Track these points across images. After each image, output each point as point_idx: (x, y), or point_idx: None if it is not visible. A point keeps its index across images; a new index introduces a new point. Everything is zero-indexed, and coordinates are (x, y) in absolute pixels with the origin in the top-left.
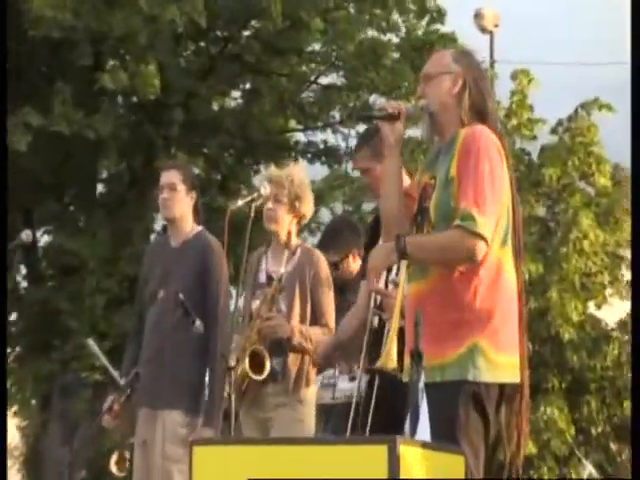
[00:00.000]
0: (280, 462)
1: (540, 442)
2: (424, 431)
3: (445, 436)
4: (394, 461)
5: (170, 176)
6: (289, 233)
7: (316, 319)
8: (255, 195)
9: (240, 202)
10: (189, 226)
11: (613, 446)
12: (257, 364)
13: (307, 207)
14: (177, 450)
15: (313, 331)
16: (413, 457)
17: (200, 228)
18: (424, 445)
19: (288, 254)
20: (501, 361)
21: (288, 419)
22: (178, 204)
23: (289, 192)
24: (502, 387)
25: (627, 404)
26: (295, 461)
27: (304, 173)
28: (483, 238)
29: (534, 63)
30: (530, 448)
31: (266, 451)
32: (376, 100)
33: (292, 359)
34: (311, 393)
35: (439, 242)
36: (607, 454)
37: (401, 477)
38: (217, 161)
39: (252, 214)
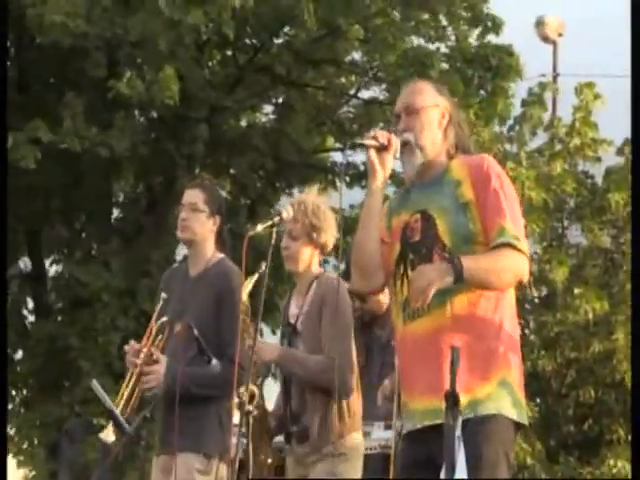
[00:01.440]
0: None
1: None
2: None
3: (473, 475)
4: None
5: (193, 195)
6: (309, 267)
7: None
8: (276, 220)
9: (259, 227)
10: (210, 253)
11: None
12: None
13: (326, 236)
14: None
15: (316, 358)
16: None
17: (221, 256)
18: None
19: (305, 292)
20: (522, 398)
21: (324, 472)
22: (198, 226)
23: (302, 224)
24: (517, 428)
25: None
26: None
27: (320, 199)
28: (528, 256)
29: (600, 76)
30: None
31: None
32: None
33: (319, 411)
34: (349, 444)
35: (496, 262)
36: None
37: None
38: (245, 183)
39: (273, 241)
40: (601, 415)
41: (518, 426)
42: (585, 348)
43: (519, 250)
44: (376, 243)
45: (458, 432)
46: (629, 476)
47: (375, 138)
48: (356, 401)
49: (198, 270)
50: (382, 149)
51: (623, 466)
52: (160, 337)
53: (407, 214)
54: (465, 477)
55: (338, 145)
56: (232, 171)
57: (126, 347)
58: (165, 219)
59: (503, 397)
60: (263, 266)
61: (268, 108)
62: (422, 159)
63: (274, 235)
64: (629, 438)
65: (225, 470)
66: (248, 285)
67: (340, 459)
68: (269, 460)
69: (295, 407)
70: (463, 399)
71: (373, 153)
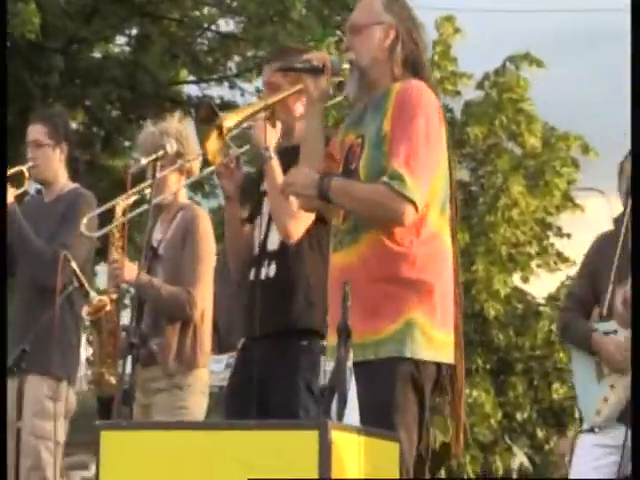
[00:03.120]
0: (199, 448)
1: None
2: (352, 415)
3: (379, 419)
4: (325, 447)
5: (35, 131)
6: (175, 194)
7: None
8: (160, 153)
9: (144, 161)
10: (62, 182)
11: (540, 432)
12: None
13: (191, 162)
14: (41, 424)
15: (170, 289)
16: (345, 443)
17: (75, 185)
18: (358, 431)
19: (170, 219)
20: (438, 339)
21: (167, 406)
22: (45, 162)
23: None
24: (438, 367)
25: (556, 386)
26: (215, 447)
27: (182, 125)
28: (411, 201)
29: (460, 10)
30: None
31: (183, 436)
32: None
33: (171, 340)
34: (197, 377)
35: (364, 193)
36: (533, 441)
37: (333, 464)
38: (100, 115)
39: (157, 174)
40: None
41: (438, 365)
42: None
43: (398, 193)
44: (316, 163)
45: (349, 364)
46: (486, 406)
47: (307, 61)
48: (208, 335)
49: (51, 198)
50: (316, 72)
51: (479, 395)
52: None
53: (354, 135)
54: (356, 409)
55: (191, 78)
56: (87, 102)
57: None
58: (19, 150)
59: (407, 339)
60: (148, 193)
61: (124, 39)
62: (362, 80)
63: (158, 167)
64: (487, 367)
65: (74, 397)
66: (124, 205)
67: (185, 391)
68: (112, 378)
69: (145, 329)
70: (367, 339)
71: (308, 78)
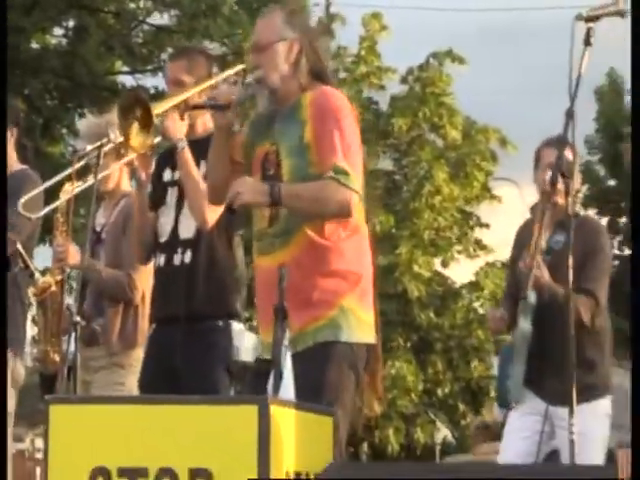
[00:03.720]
0: (144, 422)
1: (386, 401)
2: (288, 390)
3: (319, 398)
4: (264, 422)
5: None
6: (118, 184)
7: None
8: (104, 140)
9: (88, 148)
10: (11, 162)
11: (459, 408)
12: None
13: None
14: None
15: (111, 272)
16: (283, 417)
17: (23, 167)
18: (295, 405)
19: (113, 205)
20: (367, 321)
21: (107, 382)
22: None
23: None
24: (367, 347)
25: (474, 364)
26: (159, 421)
27: None
28: (356, 192)
29: (386, 7)
30: (374, 407)
31: (128, 410)
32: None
33: (114, 320)
34: (137, 356)
35: (313, 192)
36: (452, 416)
37: (271, 438)
38: (39, 103)
39: (101, 161)
40: (383, 324)
41: (367, 346)
42: None
43: (343, 184)
44: (223, 186)
45: (286, 342)
46: (408, 378)
47: (213, 99)
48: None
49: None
50: (222, 109)
51: (401, 366)
52: None
53: (267, 143)
54: (291, 385)
55: (126, 68)
56: (26, 91)
57: None
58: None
59: (346, 322)
60: (90, 181)
61: (61, 31)
62: (272, 96)
63: (102, 154)
64: (408, 345)
65: (22, 367)
66: (69, 192)
67: (126, 370)
68: (56, 356)
69: (87, 309)
70: (307, 328)
71: (215, 112)
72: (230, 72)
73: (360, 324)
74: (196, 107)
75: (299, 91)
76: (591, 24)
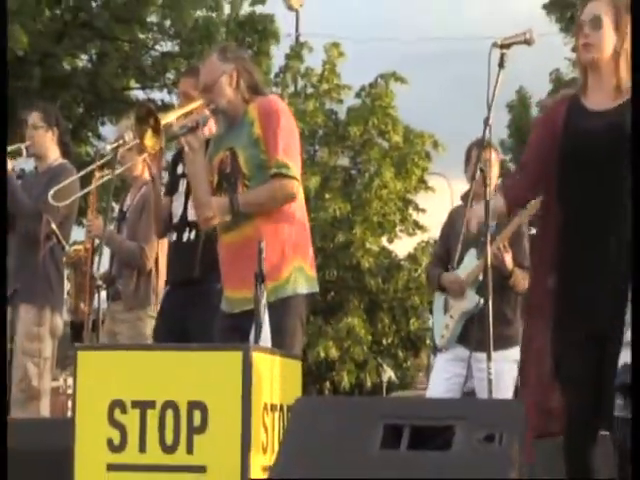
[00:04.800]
0: (152, 364)
1: (342, 349)
2: (266, 339)
3: (282, 344)
4: (247, 364)
5: (31, 117)
6: (141, 173)
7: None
8: (121, 141)
9: (108, 147)
10: (52, 157)
11: (401, 354)
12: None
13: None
14: (30, 345)
15: (128, 243)
16: (262, 362)
17: (63, 161)
18: (272, 352)
19: (137, 190)
20: (312, 275)
21: (129, 335)
22: (39, 142)
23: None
24: (313, 294)
25: (412, 321)
26: (165, 364)
27: None
28: (297, 179)
29: (344, 38)
30: (333, 353)
31: (140, 355)
32: None
33: (130, 282)
34: (150, 312)
35: (266, 194)
36: (396, 361)
37: (253, 377)
38: (69, 113)
39: (119, 157)
40: (341, 289)
41: (312, 295)
42: (331, 239)
43: (287, 176)
44: (206, 191)
45: (264, 301)
46: (360, 330)
47: (184, 127)
48: (162, 279)
49: (42, 169)
50: (193, 130)
51: (355, 322)
52: None
53: (222, 151)
54: (269, 335)
55: (138, 85)
56: (58, 103)
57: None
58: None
59: (298, 279)
60: (109, 174)
61: (86, 56)
62: (225, 117)
63: (118, 152)
64: (361, 305)
65: (60, 321)
66: (100, 179)
67: (144, 322)
68: (84, 307)
69: (113, 272)
70: (270, 286)
71: (188, 136)
72: (194, 106)
73: (308, 279)
74: (174, 138)
75: (244, 105)
76: (504, 50)
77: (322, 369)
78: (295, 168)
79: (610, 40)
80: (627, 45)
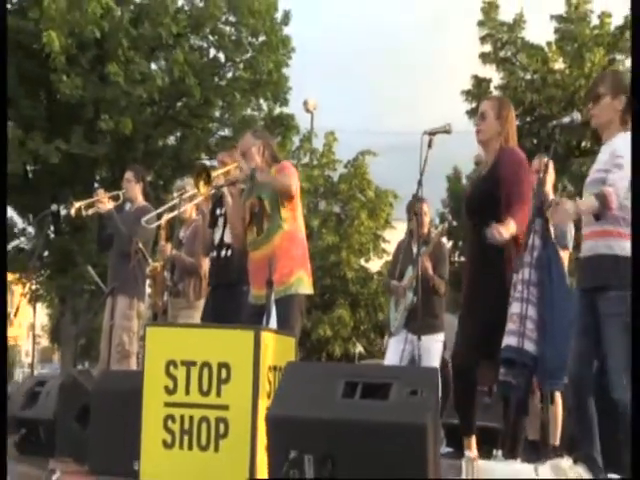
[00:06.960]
0: (195, 337)
1: (334, 331)
2: (272, 323)
3: (286, 325)
4: (257, 341)
5: (126, 174)
6: (189, 212)
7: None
8: (183, 190)
9: (175, 195)
10: (138, 200)
11: (372, 336)
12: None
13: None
14: (125, 322)
15: (188, 259)
16: (268, 338)
17: (146, 203)
18: (275, 332)
19: (189, 225)
20: (309, 281)
21: (184, 319)
22: (131, 189)
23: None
24: (308, 295)
25: (380, 314)
26: (203, 337)
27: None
28: (295, 184)
29: (337, 129)
30: (328, 334)
31: (187, 331)
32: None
33: (189, 284)
34: (200, 305)
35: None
36: (368, 340)
37: (261, 348)
38: (161, 173)
39: (182, 202)
40: (333, 292)
41: (309, 295)
42: (326, 259)
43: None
44: (242, 227)
45: (272, 298)
46: (345, 318)
47: (228, 180)
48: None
49: (132, 209)
50: (233, 183)
51: (342, 313)
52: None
53: (253, 198)
54: (275, 320)
55: (206, 157)
56: (155, 167)
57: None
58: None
59: (300, 282)
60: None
61: (172, 137)
62: (254, 180)
63: (182, 198)
64: (346, 303)
65: (143, 307)
66: (166, 217)
67: (195, 311)
68: (160, 303)
69: (176, 279)
70: (280, 287)
71: (230, 187)
72: (229, 167)
73: (307, 283)
74: (220, 187)
75: (267, 167)
76: (431, 136)
77: (321, 344)
78: (294, 180)
79: (493, 127)
80: (508, 127)
